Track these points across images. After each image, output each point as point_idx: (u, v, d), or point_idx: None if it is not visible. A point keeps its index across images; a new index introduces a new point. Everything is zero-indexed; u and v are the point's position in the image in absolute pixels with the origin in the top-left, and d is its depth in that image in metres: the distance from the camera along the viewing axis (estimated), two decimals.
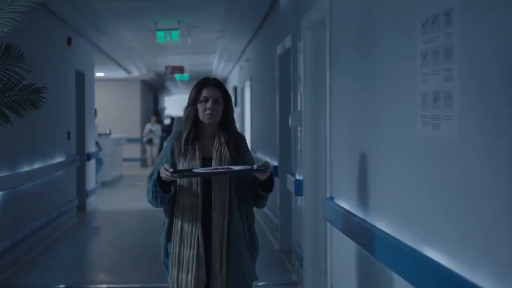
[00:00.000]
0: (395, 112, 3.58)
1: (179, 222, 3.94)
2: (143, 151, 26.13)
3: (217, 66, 19.87)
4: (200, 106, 4.01)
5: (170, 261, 3.99)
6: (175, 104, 38.73)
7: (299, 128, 7.02)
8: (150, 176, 4.01)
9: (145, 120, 26.49)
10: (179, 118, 28.17)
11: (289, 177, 7.51)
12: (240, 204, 3.99)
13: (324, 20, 5.47)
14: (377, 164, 4.00)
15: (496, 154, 2.38)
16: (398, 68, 3.50)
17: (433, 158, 3.02)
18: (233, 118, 4.14)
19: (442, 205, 2.92)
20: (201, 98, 4.01)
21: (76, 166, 11.94)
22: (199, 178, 3.89)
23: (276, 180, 7.64)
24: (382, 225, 3.82)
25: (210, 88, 4.02)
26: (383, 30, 3.80)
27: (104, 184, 17.76)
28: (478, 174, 2.54)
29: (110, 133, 20.68)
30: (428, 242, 3.08)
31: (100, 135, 18.54)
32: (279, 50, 8.75)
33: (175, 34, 12.55)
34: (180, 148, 4.01)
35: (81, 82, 12.65)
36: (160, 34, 12.50)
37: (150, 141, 24.88)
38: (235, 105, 18.10)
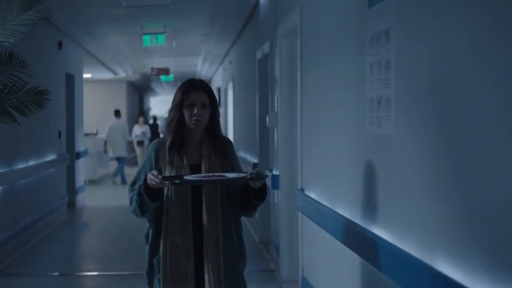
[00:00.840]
0: (348, 113, 4.21)
1: (168, 234, 3.66)
2: (130, 151, 26.65)
3: (202, 68, 20.47)
4: (186, 111, 3.74)
5: (155, 275, 3.74)
6: (160, 104, 39.33)
7: (276, 128, 7.63)
8: (133, 184, 3.79)
9: (131, 120, 26.99)
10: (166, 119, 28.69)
11: (267, 172, 8.13)
12: (232, 214, 3.78)
13: (296, 30, 6.09)
14: (337, 158, 4.62)
15: (423, 146, 2.99)
16: (353, 75, 4.12)
17: (376, 151, 3.65)
18: (219, 123, 3.88)
19: (383, 188, 3.55)
20: (187, 102, 3.74)
21: (66, 164, 12.50)
22: (188, 186, 3.66)
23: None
24: (340, 210, 4.45)
25: (196, 92, 3.75)
26: (344, 43, 4.42)
27: (91, 182, 18.31)
28: (409, 162, 3.16)
29: (97, 133, 21.22)
30: (374, 221, 3.71)
31: (87, 134, 19.07)
32: (258, 54, 9.36)
33: (161, 38, 13.14)
34: (165, 155, 3.76)
35: (71, 83, 13.21)
36: (146, 38, 13.09)
37: (141, 143, 25.37)
38: (219, 105, 18.73)
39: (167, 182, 3.50)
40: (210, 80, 24.00)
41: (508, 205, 2.22)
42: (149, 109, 36.76)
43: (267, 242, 9.00)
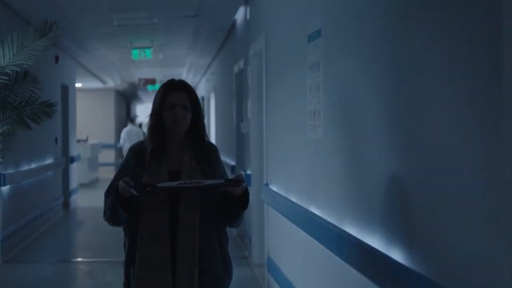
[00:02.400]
0: (295, 121, 5.45)
1: (144, 245, 3.45)
2: (117, 156, 27.78)
3: (186, 78, 21.72)
4: (166, 113, 3.51)
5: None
6: (146, 112, 40.47)
7: (248, 133, 8.87)
8: (108, 191, 3.57)
9: (118, 126, 28.10)
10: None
11: (242, 172, 9.37)
12: (215, 225, 3.52)
13: (262, 52, 7.33)
14: (290, 157, 5.86)
15: (342, 148, 4.21)
16: (298, 93, 5.36)
17: (312, 150, 4.89)
18: (203, 125, 3.62)
19: (317, 178, 4.79)
20: (167, 104, 3.52)
21: (62, 167, 13.69)
22: (163, 194, 3.43)
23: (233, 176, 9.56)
24: (292, 197, 5.68)
25: (175, 92, 3.54)
26: (292, 67, 5.66)
27: (82, 186, 19.49)
28: (332, 159, 4.38)
29: (87, 140, 22.40)
30: (312, 203, 4.94)
31: (78, 141, 20.26)
32: (235, 69, 10.60)
33: (148, 52, 14.37)
34: (144, 161, 3.53)
35: (66, 93, 14.39)
36: (135, 52, 14.32)
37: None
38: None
39: (136, 190, 3.29)
40: (194, 89, 25.16)
41: (377, 183, 3.45)
42: (135, 116, 37.89)
43: (243, 234, 10.22)
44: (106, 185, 12.78)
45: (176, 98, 3.54)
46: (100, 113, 26.68)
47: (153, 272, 3.43)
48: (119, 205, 3.40)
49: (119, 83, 23.36)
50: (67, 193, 14.54)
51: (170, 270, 3.42)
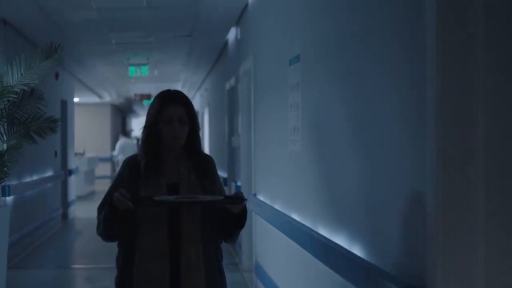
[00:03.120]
0: (279, 136, 6.03)
1: (142, 260, 3.35)
2: (113, 169, 28.30)
3: None
4: (163, 127, 3.41)
5: None
6: (140, 126, 41.03)
7: (239, 147, 9.44)
8: (102, 205, 3.44)
9: (114, 140, 28.63)
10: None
11: (233, 184, 9.93)
12: (213, 238, 3.46)
13: (251, 71, 7.91)
14: (274, 168, 6.43)
15: (315, 160, 4.77)
16: (281, 110, 5.93)
17: (293, 163, 5.47)
18: (199, 138, 3.56)
19: (296, 187, 5.35)
20: (164, 117, 3.41)
21: (61, 180, 14.24)
22: (161, 208, 3.35)
23: (226, 188, 10.22)
24: (276, 206, 6.24)
25: (173, 106, 3.43)
26: (276, 87, 6.23)
27: (79, 198, 20.03)
28: (308, 170, 4.95)
29: (84, 153, 22.95)
30: (293, 210, 5.51)
31: (75, 154, 20.82)
32: (227, 86, 11.19)
33: (144, 68, 14.98)
34: (139, 174, 3.43)
35: (65, 108, 14.95)
36: (131, 69, 14.91)
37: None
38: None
39: (133, 202, 3.22)
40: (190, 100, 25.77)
41: (344, 191, 4.01)
42: (131, 130, 38.43)
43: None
44: (102, 197, 13.43)
45: (173, 112, 3.42)
46: (96, 127, 27.24)
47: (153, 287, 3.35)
48: (113, 218, 3.26)
49: (116, 97, 23.93)
50: (65, 204, 15.07)
51: (169, 286, 3.34)
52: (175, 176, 3.48)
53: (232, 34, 10.59)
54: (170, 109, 3.44)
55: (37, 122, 7.29)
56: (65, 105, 14.95)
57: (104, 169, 27.29)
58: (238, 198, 3.31)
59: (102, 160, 26.40)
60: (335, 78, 4.18)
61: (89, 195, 21.63)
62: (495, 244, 2.48)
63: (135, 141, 29.81)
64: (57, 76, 13.57)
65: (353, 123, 3.81)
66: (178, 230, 3.38)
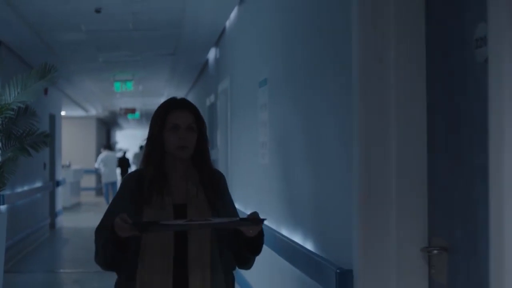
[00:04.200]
0: (251, 150, 6.76)
1: (145, 286, 3.02)
2: (98, 181, 28.89)
3: None
4: (168, 136, 3.08)
5: None
6: (125, 138, 41.79)
7: (218, 160, 10.17)
8: (99, 229, 3.11)
9: (99, 153, 29.19)
10: (137, 154, 31.19)
11: None
12: (223, 265, 3.11)
13: (227, 91, 8.65)
14: (248, 179, 7.15)
15: (279, 171, 5.49)
16: (253, 127, 6.66)
17: (262, 174, 6.20)
18: (208, 151, 3.22)
19: (265, 195, 6.08)
20: (169, 125, 3.09)
21: (49, 191, 14.90)
22: (168, 232, 3.02)
23: None
24: (248, 211, 6.94)
25: (180, 112, 3.13)
26: (248, 107, 6.96)
27: (65, 209, 20.67)
28: (274, 179, 5.67)
29: (69, 165, 23.59)
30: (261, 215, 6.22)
31: (62, 166, 21.47)
32: (207, 102, 11.92)
33: (130, 84, 15.66)
34: (143, 192, 3.08)
35: (53, 122, 15.63)
36: (117, 84, 15.59)
37: None
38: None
39: (138, 228, 2.84)
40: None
41: (300, 197, 4.74)
42: (115, 142, 39.03)
43: None
44: (87, 209, 14.62)
45: (180, 118, 3.10)
46: (82, 139, 27.84)
47: None
48: (114, 245, 2.92)
49: (101, 111, 24.62)
50: (53, 214, 15.73)
51: None
52: (182, 194, 3.11)
53: (212, 54, 11.34)
54: (177, 116, 3.11)
55: (32, 137, 7.97)
56: (53, 119, 15.61)
57: (89, 181, 27.89)
58: (255, 219, 2.91)
59: (87, 172, 27.01)
60: (293, 101, 4.92)
61: (75, 206, 22.28)
62: (405, 233, 3.21)
63: (119, 154, 30.53)
64: (46, 91, 14.24)
65: (306, 139, 4.55)
66: (184, 257, 3.03)
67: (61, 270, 10.83)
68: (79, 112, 24.01)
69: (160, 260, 3.03)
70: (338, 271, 3.46)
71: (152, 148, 3.16)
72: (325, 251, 4.04)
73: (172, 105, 3.20)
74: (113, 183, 22.79)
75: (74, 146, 26.99)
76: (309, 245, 4.40)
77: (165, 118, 3.14)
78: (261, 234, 3.06)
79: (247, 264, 3.22)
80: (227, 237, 3.11)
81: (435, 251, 3.07)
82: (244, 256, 3.14)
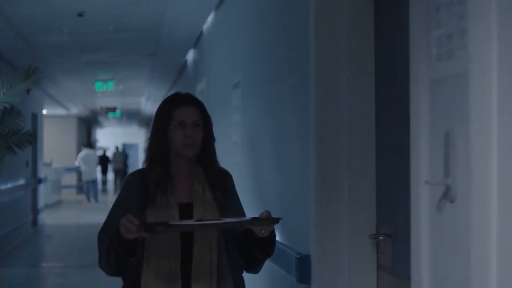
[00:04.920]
0: (225, 149, 7.16)
1: None
2: (79, 179, 29.17)
3: (145, 106, 23.38)
4: (174, 133, 2.95)
5: None
6: (106, 137, 42.09)
7: None
8: (103, 232, 2.95)
9: (80, 151, 29.50)
10: (116, 153, 31.51)
11: None
12: (232, 269, 2.99)
13: (205, 91, 9.04)
14: None
15: (250, 168, 5.89)
16: (227, 127, 7.06)
17: (235, 170, 6.58)
18: (214, 148, 3.16)
19: (239, 192, 6.48)
20: (175, 122, 2.96)
21: (31, 188, 15.24)
22: (178, 233, 2.88)
23: None
24: None
25: (185, 108, 2.99)
26: (223, 107, 7.36)
27: (47, 206, 20.99)
28: (245, 177, 6.08)
29: (50, 163, 23.88)
30: None
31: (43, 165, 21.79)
32: None
33: (110, 84, 16.02)
34: (148, 191, 2.94)
35: (35, 121, 15.96)
36: (98, 84, 15.95)
37: None
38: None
39: (147, 229, 2.67)
40: (152, 117, 26.84)
41: (268, 191, 5.14)
42: (96, 141, 39.28)
43: None
44: (69, 206, 15.07)
45: (186, 115, 2.98)
46: (62, 138, 28.10)
47: None
48: (122, 250, 2.75)
49: (82, 110, 24.92)
50: (35, 211, 16.06)
51: None
52: (187, 193, 2.99)
53: (190, 56, 11.73)
54: (183, 111, 2.98)
55: (17, 136, 8.32)
56: (35, 118, 15.94)
57: (70, 179, 28.17)
58: (268, 219, 2.78)
59: (68, 170, 27.30)
60: (262, 104, 5.33)
61: (56, 204, 22.58)
62: (355, 222, 3.62)
63: (99, 152, 30.88)
64: (28, 91, 14.55)
65: (273, 138, 4.96)
66: (191, 259, 2.90)
67: (44, 265, 11.20)
68: (60, 111, 24.30)
69: (166, 264, 2.86)
70: (297, 256, 3.86)
71: (157, 146, 3.00)
72: (288, 240, 4.44)
73: (177, 101, 3.03)
74: (94, 181, 23.21)
75: (55, 144, 27.23)
76: (277, 236, 4.80)
77: (170, 115, 2.97)
78: (273, 234, 2.90)
79: (257, 267, 3.08)
80: (235, 238, 2.97)
81: (381, 238, 3.48)
82: (255, 258, 2.97)
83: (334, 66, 3.64)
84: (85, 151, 23.23)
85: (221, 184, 3.09)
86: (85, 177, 23.61)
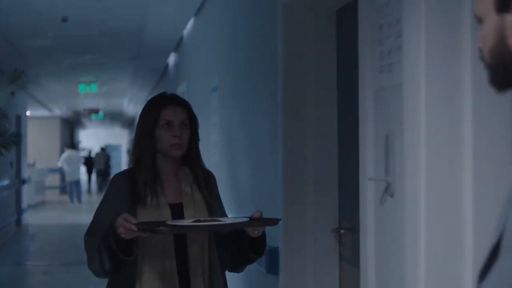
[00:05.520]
0: (205, 149, 7.47)
1: None
2: (62, 180, 29.35)
3: (128, 107, 23.66)
4: (162, 133, 2.95)
5: None
6: (88, 138, 42.26)
7: None
8: (90, 233, 2.92)
9: (63, 152, 29.68)
10: (99, 154, 31.77)
11: None
12: (222, 267, 3.06)
13: (185, 93, 9.35)
14: None
15: (227, 167, 6.20)
16: (207, 128, 7.37)
17: (214, 169, 6.91)
18: (199, 148, 3.15)
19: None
20: (162, 121, 2.96)
21: (16, 189, 15.50)
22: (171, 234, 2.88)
23: None
24: None
25: (173, 107, 2.99)
26: (203, 109, 7.67)
27: (31, 206, 21.21)
28: (224, 175, 6.39)
29: (34, 164, 24.09)
30: None
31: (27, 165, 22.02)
32: None
33: (94, 86, 16.29)
34: (137, 192, 2.94)
35: (19, 122, 16.21)
36: (81, 86, 16.22)
37: None
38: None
39: (146, 229, 2.67)
40: (135, 118, 27.17)
41: (243, 188, 5.46)
42: (78, 142, 39.43)
43: None
44: (52, 207, 15.41)
45: (173, 115, 2.97)
46: (45, 139, 28.27)
47: None
48: (119, 250, 2.73)
49: (65, 111, 25.15)
50: (19, 211, 16.31)
51: None
52: (176, 194, 3.01)
53: (172, 59, 12.04)
54: (170, 111, 2.98)
55: (3, 137, 8.62)
56: (19, 120, 16.19)
57: (53, 180, 28.33)
58: (268, 219, 2.93)
59: (52, 171, 27.48)
60: (238, 106, 5.66)
61: (40, 204, 22.80)
62: (319, 216, 3.95)
63: (83, 153, 31.11)
64: (13, 93, 14.83)
65: (248, 139, 5.29)
66: (185, 259, 2.92)
67: (29, 263, 11.46)
68: (43, 112, 24.52)
69: (162, 264, 2.87)
70: (267, 248, 4.19)
71: (144, 146, 2.99)
72: None
73: (164, 101, 3.02)
74: (77, 182, 23.52)
75: (38, 145, 27.40)
76: None
77: (158, 114, 2.97)
78: (264, 234, 2.95)
79: (245, 266, 3.14)
80: (224, 237, 3.02)
81: (343, 231, 3.82)
82: (247, 257, 3.00)
83: (300, 74, 3.96)
84: (68, 152, 23.49)
85: (208, 184, 3.10)
86: (68, 178, 23.90)
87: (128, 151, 35.78)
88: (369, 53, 2.67)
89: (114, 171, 40.70)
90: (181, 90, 9.99)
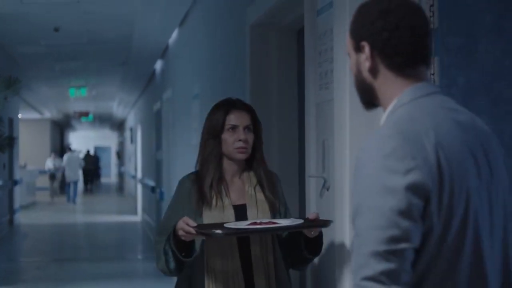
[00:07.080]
0: (188, 151, 8.06)
1: None
2: (62, 180, 29.75)
3: (117, 110, 24.21)
4: (227, 137, 3.06)
5: None
6: (78, 140, 42.68)
7: (162, 160, 11.44)
8: (160, 234, 3.05)
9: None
10: (89, 156, 32.46)
11: (158, 190, 11.94)
12: (286, 265, 3.10)
13: (170, 99, 9.93)
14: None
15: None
16: (189, 133, 7.95)
17: None
18: (262, 151, 3.19)
19: None
20: (228, 126, 3.08)
21: (8, 189, 16.03)
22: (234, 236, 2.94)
23: (154, 195, 12.37)
24: None
25: (238, 112, 3.11)
26: (185, 114, 8.26)
27: (22, 207, 21.72)
28: None
29: (25, 166, 24.57)
30: None
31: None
32: (154, 108, 13.19)
33: (84, 90, 16.87)
34: (203, 194, 3.04)
35: (11, 125, 16.71)
36: (72, 90, 16.80)
37: (52, 176, 28.36)
38: (131, 142, 22.71)
39: (207, 232, 2.76)
40: (124, 120, 27.70)
41: None
42: (69, 144, 39.85)
43: None
44: (43, 208, 16.07)
45: (238, 119, 3.08)
46: (36, 141, 28.69)
47: None
48: (179, 252, 2.89)
49: (56, 114, 25.67)
50: (12, 211, 16.84)
51: None
52: (240, 195, 3.10)
53: (158, 65, 12.62)
54: (235, 116, 3.09)
55: None
56: (11, 122, 16.71)
57: (43, 181, 28.76)
58: (320, 221, 2.89)
59: (42, 172, 27.93)
60: None
61: (31, 205, 23.34)
62: None
63: (80, 155, 31.79)
64: (6, 98, 15.37)
65: None
66: (248, 257, 2.99)
67: (23, 259, 12.02)
68: (34, 115, 25.02)
69: (226, 264, 2.96)
70: None
71: (210, 149, 3.11)
72: None
73: (230, 106, 3.13)
74: (75, 182, 24.44)
75: (29, 147, 27.86)
76: None
77: (223, 119, 3.08)
78: (321, 235, 2.98)
79: (304, 265, 3.20)
80: (283, 238, 3.10)
81: None
82: (304, 257, 3.04)
83: (264, 88, 4.55)
84: (68, 154, 24.27)
85: (272, 186, 3.12)
86: (68, 179, 24.71)
87: (117, 153, 36.39)
88: (312, 73, 3.26)
89: (104, 172, 41.32)
90: (167, 96, 10.57)
